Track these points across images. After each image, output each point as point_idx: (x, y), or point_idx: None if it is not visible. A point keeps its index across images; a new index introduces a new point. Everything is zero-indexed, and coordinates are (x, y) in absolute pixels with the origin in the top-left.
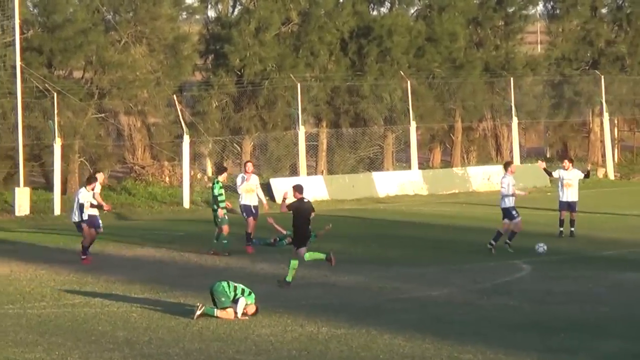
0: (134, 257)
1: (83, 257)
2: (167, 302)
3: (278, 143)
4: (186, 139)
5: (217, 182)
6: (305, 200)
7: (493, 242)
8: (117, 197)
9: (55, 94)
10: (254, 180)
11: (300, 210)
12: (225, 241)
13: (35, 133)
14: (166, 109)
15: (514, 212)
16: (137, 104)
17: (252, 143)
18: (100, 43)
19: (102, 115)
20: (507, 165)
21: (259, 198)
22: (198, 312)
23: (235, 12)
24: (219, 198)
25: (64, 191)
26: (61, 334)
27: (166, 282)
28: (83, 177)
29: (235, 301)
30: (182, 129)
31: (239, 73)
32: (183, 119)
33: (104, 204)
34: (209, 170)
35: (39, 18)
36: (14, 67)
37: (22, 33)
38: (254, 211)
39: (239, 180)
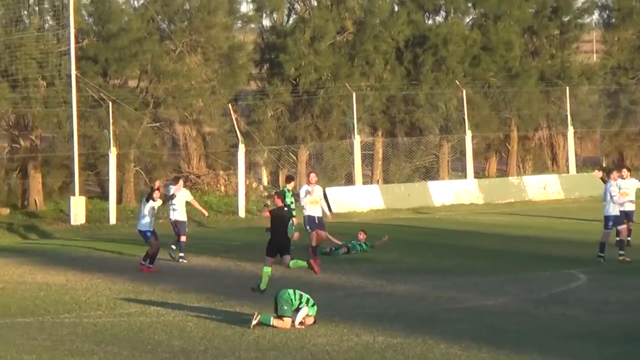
0: (190, 266)
1: (142, 262)
2: (223, 311)
3: (333, 152)
4: (241, 148)
5: (288, 191)
6: (285, 208)
7: (622, 252)
8: None
9: (110, 103)
10: (318, 192)
11: (280, 217)
12: (292, 247)
13: (90, 142)
14: (221, 118)
15: (610, 223)
16: (193, 113)
17: (307, 152)
18: (155, 52)
19: (158, 124)
20: (610, 172)
21: (322, 209)
22: (254, 322)
23: (290, 21)
24: (292, 206)
25: (119, 200)
26: (117, 343)
27: (222, 292)
28: (138, 187)
29: (297, 309)
30: (238, 138)
31: (294, 82)
32: (238, 128)
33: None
34: (265, 180)
35: (94, 27)
36: (69, 77)
37: (77, 42)
38: (317, 222)
39: (302, 192)
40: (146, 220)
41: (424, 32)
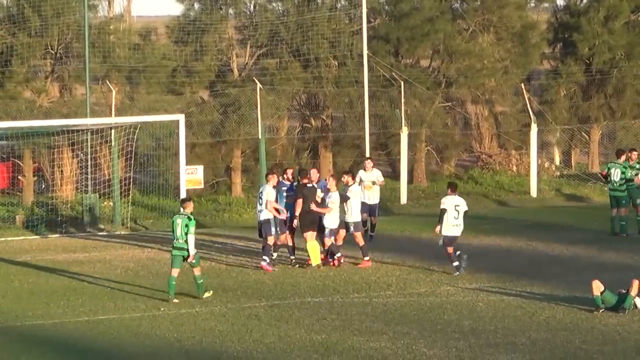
0: (480, 246)
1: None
2: (514, 291)
3: (627, 132)
4: (534, 128)
5: None
6: (309, 185)
7: None
8: (464, 186)
9: (402, 83)
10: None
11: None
12: None
13: (381, 122)
14: (513, 97)
15: None
16: (485, 93)
17: (600, 132)
18: (447, 31)
19: (449, 104)
20: None
21: None
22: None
23: (584, 1)
24: None
25: (410, 180)
26: (406, 322)
27: (513, 271)
28: (429, 167)
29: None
30: (530, 118)
31: (588, 61)
32: (531, 107)
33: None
34: (557, 159)
35: (385, 7)
36: (361, 56)
37: (369, 22)
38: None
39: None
40: None
41: None
